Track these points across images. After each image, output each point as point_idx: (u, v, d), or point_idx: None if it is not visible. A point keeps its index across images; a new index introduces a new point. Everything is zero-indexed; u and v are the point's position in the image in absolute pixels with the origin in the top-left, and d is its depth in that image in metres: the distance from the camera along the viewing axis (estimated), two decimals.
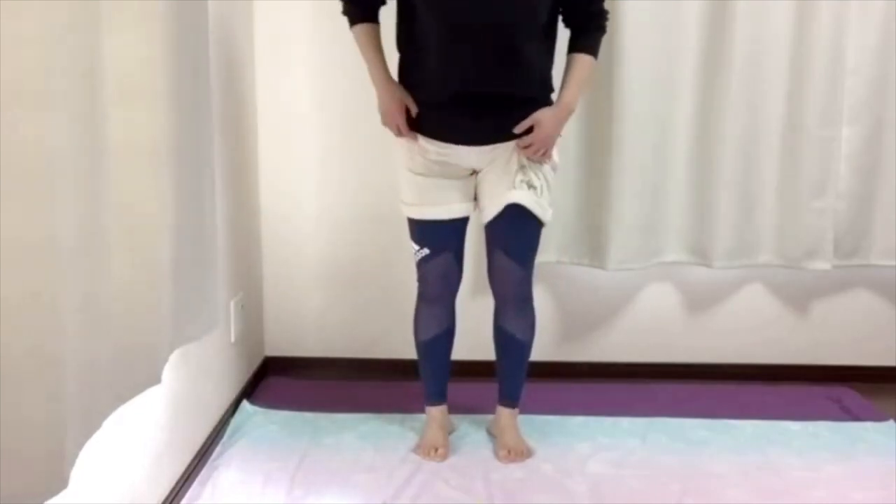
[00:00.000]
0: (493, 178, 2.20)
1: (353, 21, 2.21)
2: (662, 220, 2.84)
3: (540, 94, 2.18)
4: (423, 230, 2.26)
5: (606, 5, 2.21)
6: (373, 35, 2.21)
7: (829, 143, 2.77)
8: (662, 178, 2.80)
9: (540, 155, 2.16)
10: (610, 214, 2.79)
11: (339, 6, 2.22)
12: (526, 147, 2.14)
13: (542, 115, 2.14)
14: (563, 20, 2.20)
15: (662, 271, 2.94)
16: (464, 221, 2.29)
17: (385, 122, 2.22)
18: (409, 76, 2.18)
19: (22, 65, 1.13)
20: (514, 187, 2.17)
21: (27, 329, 1.19)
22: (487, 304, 2.40)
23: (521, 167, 2.16)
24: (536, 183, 2.18)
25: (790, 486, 2.22)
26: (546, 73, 2.18)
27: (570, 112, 2.20)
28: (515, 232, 2.23)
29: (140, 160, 1.52)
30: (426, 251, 2.27)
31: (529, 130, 2.15)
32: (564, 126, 2.20)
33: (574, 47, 2.20)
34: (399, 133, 2.20)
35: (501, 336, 2.37)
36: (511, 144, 2.16)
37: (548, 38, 2.16)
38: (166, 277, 1.62)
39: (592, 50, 2.20)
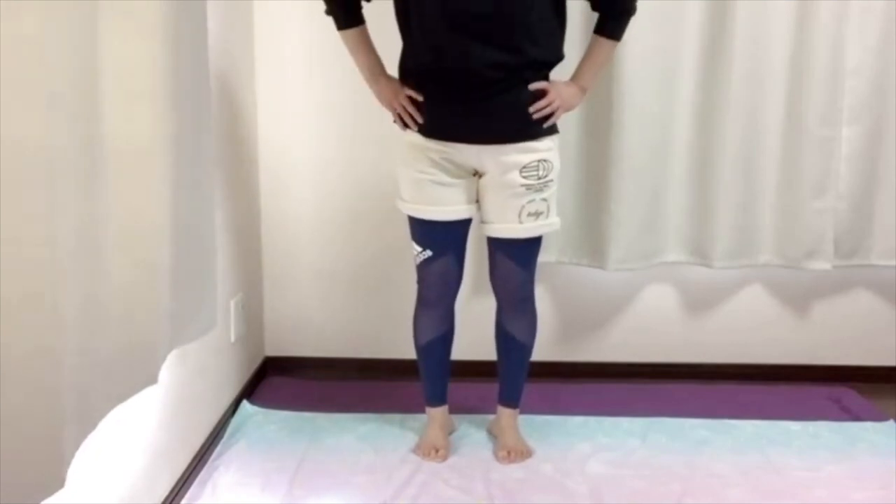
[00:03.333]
0: (499, 200, 2.19)
1: (338, 26, 2.21)
2: (662, 221, 2.84)
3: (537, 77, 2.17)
4: (425, 231, 2.25)
5: None
6: (358, 39, 2.21)
7: (829, 143, 2.77)
8: (662, 179, 2.80)
9: (550, 111, 2.15)
10: (610, 214, 2.79)
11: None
12: (539, 109, 2.14)
13: (556, 83, 2.17)
14: (591, 5, 2.22)
15: (662, 271, 2.94)
16: (466, 224, 2.28)
17: (390, 109, 2.24)
18: (406, 63, 2.19)
19: (22, 65, 1.13)
20: (521, 222, 2.18)
21: (27, 329, 1.20)
22: (487, 304, 2.39)
23: (527, 189, 2.15)
24: (542, 208, 2.19)
25: (790, 486, 2.22)
26: (547, 55, 2.16)
27: (582, 92, 2.23)
28: (519, 242, 2.24)
29: (139, 160, 1.52)
30: (428, 253, 2.26)
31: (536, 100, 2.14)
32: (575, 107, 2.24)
33: (595, 28, 2.22)
34: (403, 123, 2.20)
35: (503, 337, 2.37)
36: (512, 158, 2.15)
37: (551, 20, 2.14)
38: (164, 278, 1.62)
39: (612, 34, 2.21)
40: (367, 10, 2.21)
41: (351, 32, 2.20)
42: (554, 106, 2.15)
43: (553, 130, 2.20)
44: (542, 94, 2.14)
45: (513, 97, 2.11)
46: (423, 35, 2.10)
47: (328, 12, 2.21)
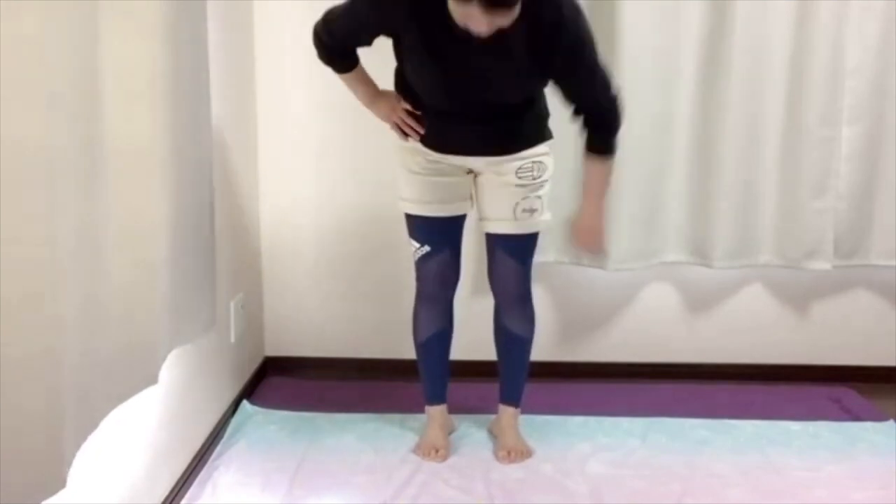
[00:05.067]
0: (495, 199, 2.21)
1: (336, 71, 2.18)
2: (662, 221, 2.84)
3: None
4: (422, 228, 2.27)
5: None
6: (355, 77, 2.19)
7: (829, 143, 2.77)
8: (662, 179, 2.80)
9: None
10: (609, 215, 2.78)
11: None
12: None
13: (576, 224, 2.26)
14: (572, 113, 2.12)
15: (662, 271, 2.94)
16: (462, 219, 2.30)
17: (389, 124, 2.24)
18: (405, 82, 2.18)
19: (22, 65, 1.14)
20: (516, 218, 2.20)
21: (27, 329, 1.20)
22: (487, 303, 2.40)
23: (521, 187, 2.17)
24: (537, 205, 2.21)
25: (790, 486, 2.22)
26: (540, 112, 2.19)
27: (600, 207, 2.24)
28: (516, 237, 2.25)
29: (139, 160, 1.52)
30: (426, 249, 2.27)
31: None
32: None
33: (587, 146, 2.15)
34: (402, 133, 2.20)
35: (502, 334, 2.37)
36: (507, 165, 2.16)
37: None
38: (164, 278, 1.62)
39: (609, 149, 2.15)
40: None
41: (349, 74, 2.19)
42: (600, 239, 2.28)
43: (547, 136, 2.22)
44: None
45: (510, 123, 2.13)
46: (422, 94, 2.11)
47: (325, 62, 2.16)
